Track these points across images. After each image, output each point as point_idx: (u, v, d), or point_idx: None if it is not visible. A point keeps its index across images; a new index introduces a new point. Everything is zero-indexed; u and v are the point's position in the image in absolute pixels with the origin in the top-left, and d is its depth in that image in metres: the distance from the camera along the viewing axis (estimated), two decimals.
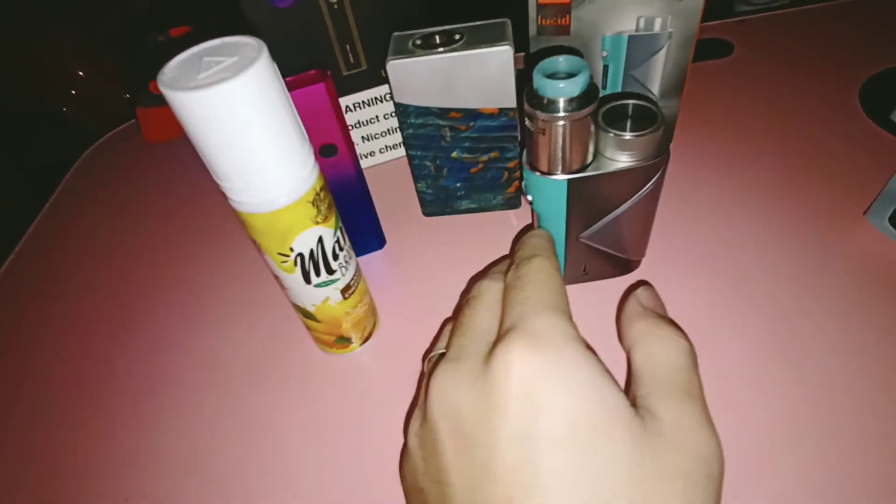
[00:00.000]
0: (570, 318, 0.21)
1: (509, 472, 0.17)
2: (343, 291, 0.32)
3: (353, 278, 0.32)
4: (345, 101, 0.46)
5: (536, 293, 0.21)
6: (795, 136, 0.47)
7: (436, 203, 0.44)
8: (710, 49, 0.59)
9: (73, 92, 1.44)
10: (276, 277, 0.30)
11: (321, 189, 0.27)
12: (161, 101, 0.55)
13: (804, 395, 0.30)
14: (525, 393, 0.18)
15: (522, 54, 0.46)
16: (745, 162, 0.45)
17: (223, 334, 0.40)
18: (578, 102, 0.27)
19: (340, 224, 0.30)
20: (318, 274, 0.30)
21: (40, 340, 0.42)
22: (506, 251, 0.41)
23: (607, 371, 0.19)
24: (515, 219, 0.44)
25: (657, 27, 0.39)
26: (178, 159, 0.58)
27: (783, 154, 0.45)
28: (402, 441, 0.31)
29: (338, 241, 0.30)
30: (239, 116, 0.22)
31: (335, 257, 0.30)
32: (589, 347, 0.20)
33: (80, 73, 1.44)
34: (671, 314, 0.35)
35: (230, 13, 0.41)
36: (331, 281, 0.31)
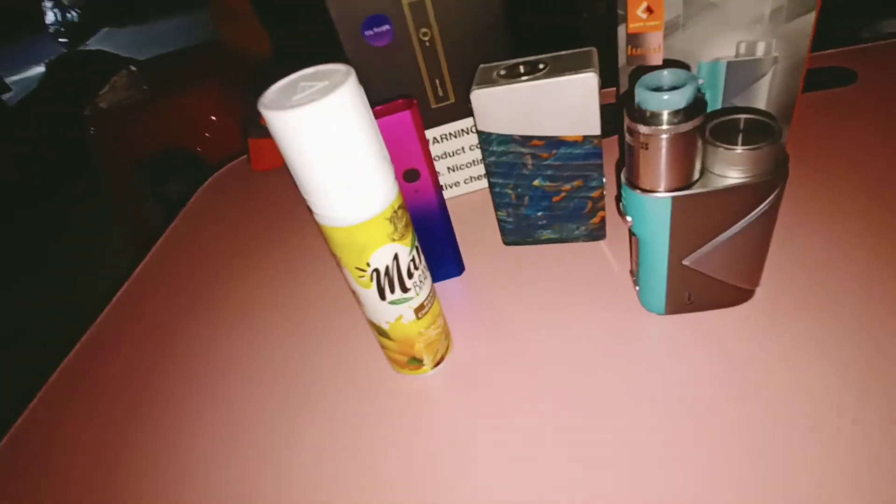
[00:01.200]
0: None
1: None
2: (416, 311, 0.32)
3: (426, 298, 0.33)
4: (432, 133, 0.48)
5: None
6: None
7: (516, 232, 0.44)
8: (830, 77, 0.54)
9: (207, 135, 1.65)
10: (354, 293, 0.32)
11: (399, 207, 0.28)
12: (268, 132, 0.61)
13: None
14: None
15: (613, 89, 0.46)
16: (867, 198, 0.40)
17: (305, 348, 0.41)
18: (683, 115, 0.26)
19: (417, 244, 0.31)
20: (392, 291, 0.30)
21: (162, 343, 0.47)
22: (588, 284, 0.40)
23: None
24: (608, 249, 0.42)
25: (760, 52, 0.37)
26: (282, 186, 0.63)
27: None
28: (463, 466, 0.30)
29: (413, 260, 0.30)
30: (325, 133, 0.23)
31: (410, 275, 0.30)
32: None
33: (213, 119, 1.64)
34: (786, 351, 0.32)
35: (336, 54, 0.45)
36: (405, 299, 0.31)
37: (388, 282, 0.30)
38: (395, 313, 0.32)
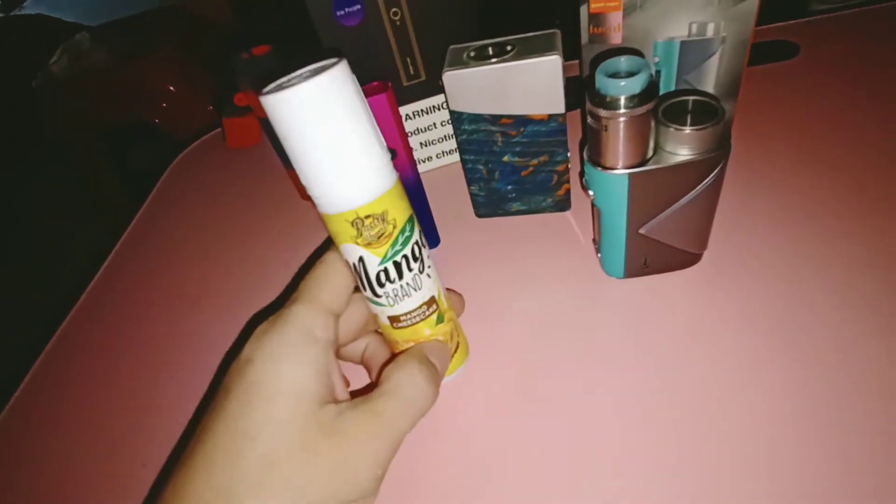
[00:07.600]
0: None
1: None
2: (391, 320, 0.31)
3: (405, 315, 0.30)
4: (405, 110, 0.49)
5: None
6: (862, 141, 0.45)
7: (488, 205, 0.46)
8: (773, 51, 0.57)
9: (165, 105, 1.59)
10: None
11: (368, 217, 0.27)
12: (243, 112, 0.61)
13: (867, 408, 0.30)
14: None
15: (576, 61, 0.48)
16: (807, 166, 0.44)
17: None
18: (638, 99, 0.29)
19: (396, 259, 0.29)
20: (364, 289, 0.30)
21: (138, 329, 0.48)
22: (555, 252, 0.43)
23: None
24: (573, 218, 0.45)
25: (710, 32, 0.40)
26: (257, 162, 0.63)
27: (848, 160, 0.44)
28: (441, 439, 0.34)
29: (386, 272, 0.29)
30: (320, 108, 0.24)
31: (381, 284, 0.29)
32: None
33: (172, 89, 1.59)
34: (730, 309, 0.36)
35: (307, 34, 0.45)
36: (377, 302, 0.30)
37: (358, 278, 0.29)
38: (372, 308, 0.31)
